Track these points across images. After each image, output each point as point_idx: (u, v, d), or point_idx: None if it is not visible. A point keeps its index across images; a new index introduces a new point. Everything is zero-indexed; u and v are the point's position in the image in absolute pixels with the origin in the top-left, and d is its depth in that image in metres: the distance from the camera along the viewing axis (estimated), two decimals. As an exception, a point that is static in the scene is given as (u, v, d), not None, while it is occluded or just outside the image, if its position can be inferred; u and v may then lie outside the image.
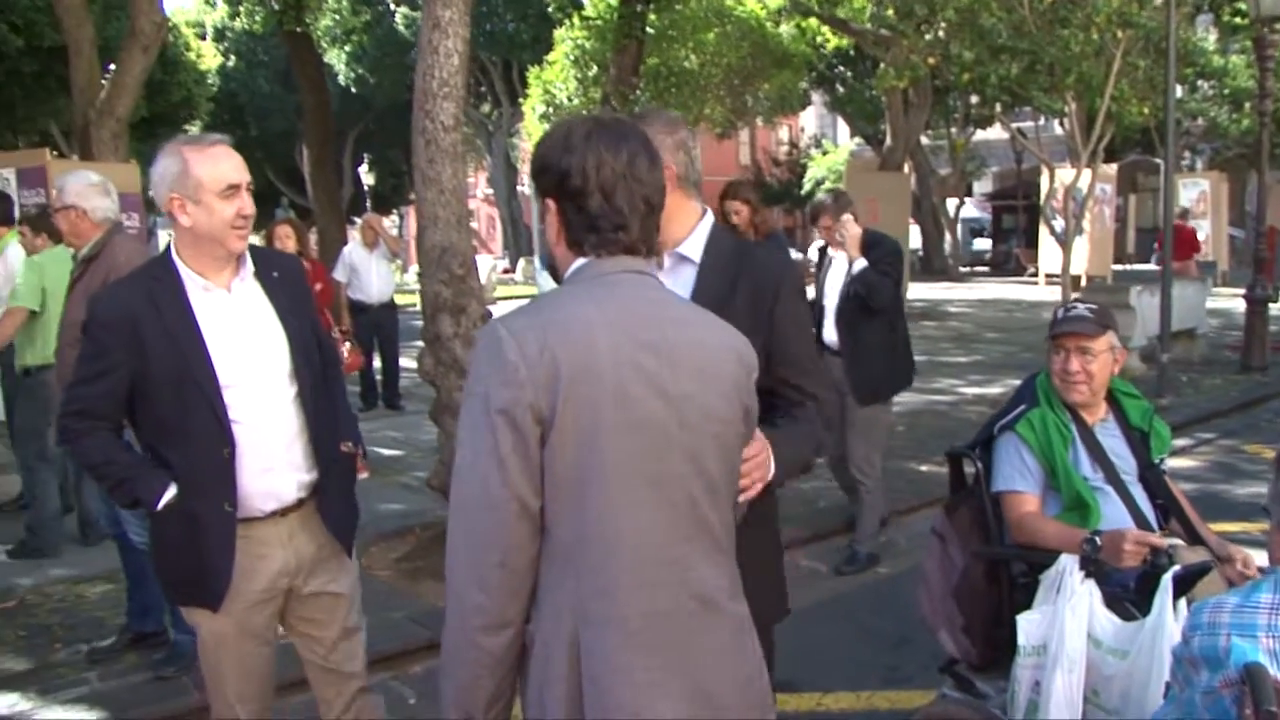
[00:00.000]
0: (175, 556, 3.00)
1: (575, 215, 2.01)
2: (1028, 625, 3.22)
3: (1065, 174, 22.71)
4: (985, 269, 36.50)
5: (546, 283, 10.92)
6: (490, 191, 45.19)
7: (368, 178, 37.48)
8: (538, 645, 1.91)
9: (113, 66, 12.20)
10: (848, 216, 5.94)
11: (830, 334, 6.04)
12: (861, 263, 5.78)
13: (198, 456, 2.89)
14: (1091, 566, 3.17)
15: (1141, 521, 3.48)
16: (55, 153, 15.03)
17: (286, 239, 8.78)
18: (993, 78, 8.92)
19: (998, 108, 12.94)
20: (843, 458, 6.28)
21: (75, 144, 20.64)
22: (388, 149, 39.28)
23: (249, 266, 3.04)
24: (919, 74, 9.87)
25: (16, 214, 7.76)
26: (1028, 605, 3.29)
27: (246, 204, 2.95)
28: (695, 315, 2.11)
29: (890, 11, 10.38)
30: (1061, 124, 27.01)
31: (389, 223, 51.85)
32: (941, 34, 9.68)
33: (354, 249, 11.41)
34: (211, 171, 2.87)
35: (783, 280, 2.71)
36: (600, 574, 1.90)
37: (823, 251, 6.31)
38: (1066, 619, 3.12)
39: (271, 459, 2.99)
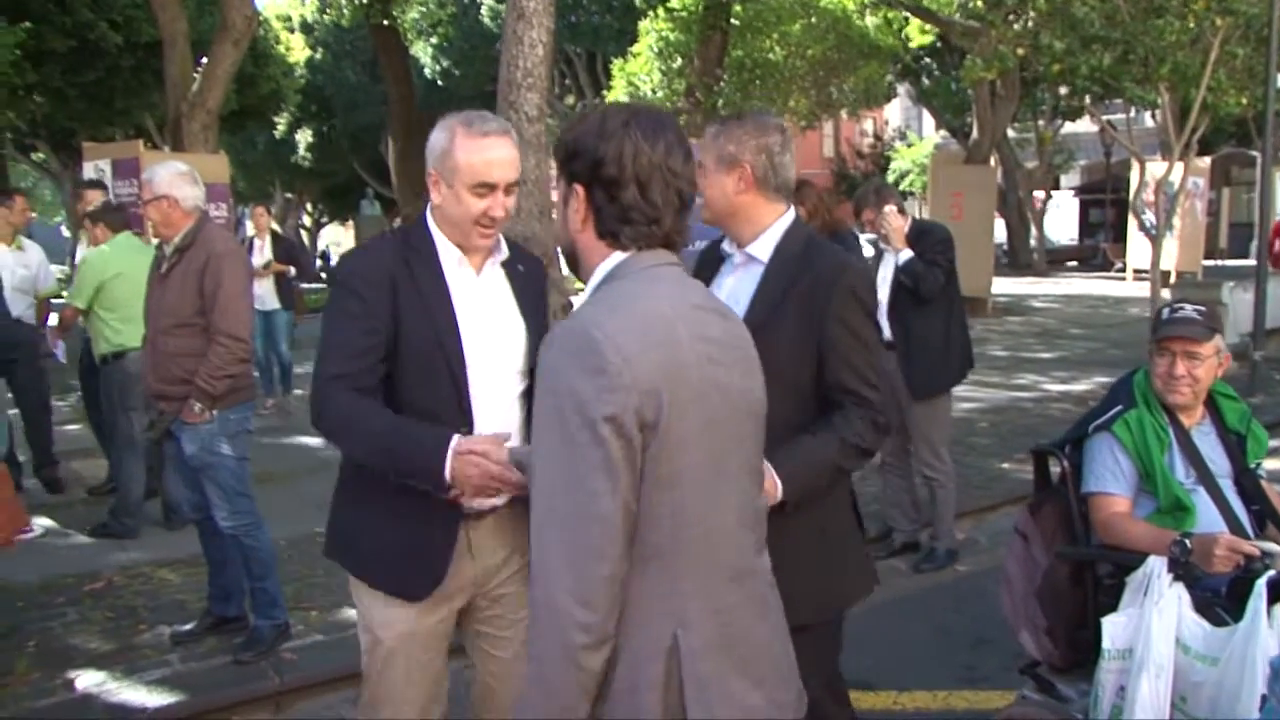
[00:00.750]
0: (393, 538, 2.74)
1: (608, 205, 1.96)
2: (1113, 628, 3.13)
3: (1157, 167, 22.20)
4: (1072, 263, 35.77)
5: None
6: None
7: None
8: (626, 654, 1.85)
9: (204, 60, 12.47)
10: (890, 208, 5.82)
11: (884, 328, 5.96)
12: (907, 254, 5.68)
13: None
14: (1181, 570, 3.08)
15: (1236, 526, 3.37)
16: (149, 145, 15.35)
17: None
18: (1084, 68, 8.66)
19: (1087, 100, 12.51)
20: (898, 463, 6.19)
21: (168, 136, 21.31)
22: (473, 140, 39.50)
23: (503, 253, 2.87)
24: (1008, 65, 9.64)
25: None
26: (1113, 608, 3.20)
27: (498, 205, 2.71)
28: (723, 308, 2.10)
29: (978, 2, 10.18)
30: (1153, 116, 26.41)
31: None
32: (1031, 24, 9.46)
33: None
34: (471, 160, 2.65)
35: (837, 282, 2.75)
36: (698, 574, 1.90)
37: (877, 246, 6.20)
38: (1154, 622, 3.03)
39: None
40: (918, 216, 6.12)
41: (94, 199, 7.44)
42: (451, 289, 2.74)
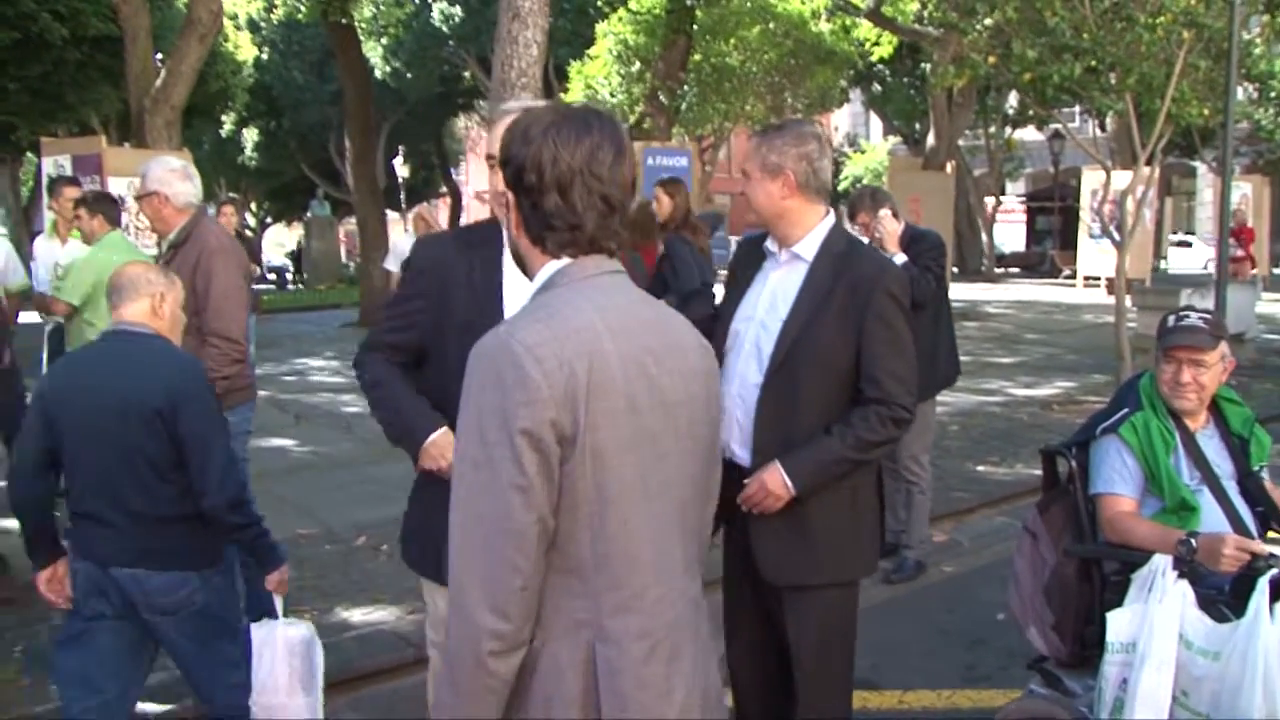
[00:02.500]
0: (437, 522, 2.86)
1: (531, 211, 1.92)
2: (1117, 622, 3.19)
3: (1114, 176, 22.56)
4: (1018, 270, 36.28)
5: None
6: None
7: (402, 170, 37.52)
8: (545, 660, 1.85)
9: (159, 55, 12.29)
10: (885, 211, 5.84)
11: None
12: (901, 258, 5.71)
13: None
14: (1185, 567, 3.15)
15: (1240, 527, 3.44)
16: (111, 142, 15.08)
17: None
18: (1055, 77, 8.81)
19: (1055, 109, 12.71)
20: (889, 464, 6.22)
21: (114, 132, 20.93)
22: (421, 142, 39.34)
23: None
24: (979, 72, 9.77)
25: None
26: (1119, 604, 3.26)
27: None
28: (666, 315, 2.05)
29: (948, 11, 10.29)
30: (1102, 126, 26.90)
31: (420, 216, 51.84)
32: (1001, 29, 9.58)
33: (406, 239, 11.44)
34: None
35: (878, 282, 3.06)
36: (621, 589, 1.87)
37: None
38: (1157, 617, 3.09)
39: None
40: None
41: (71, 195, 7.27)
42: (506, 278, 2.83)
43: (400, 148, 37.68)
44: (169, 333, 3.48)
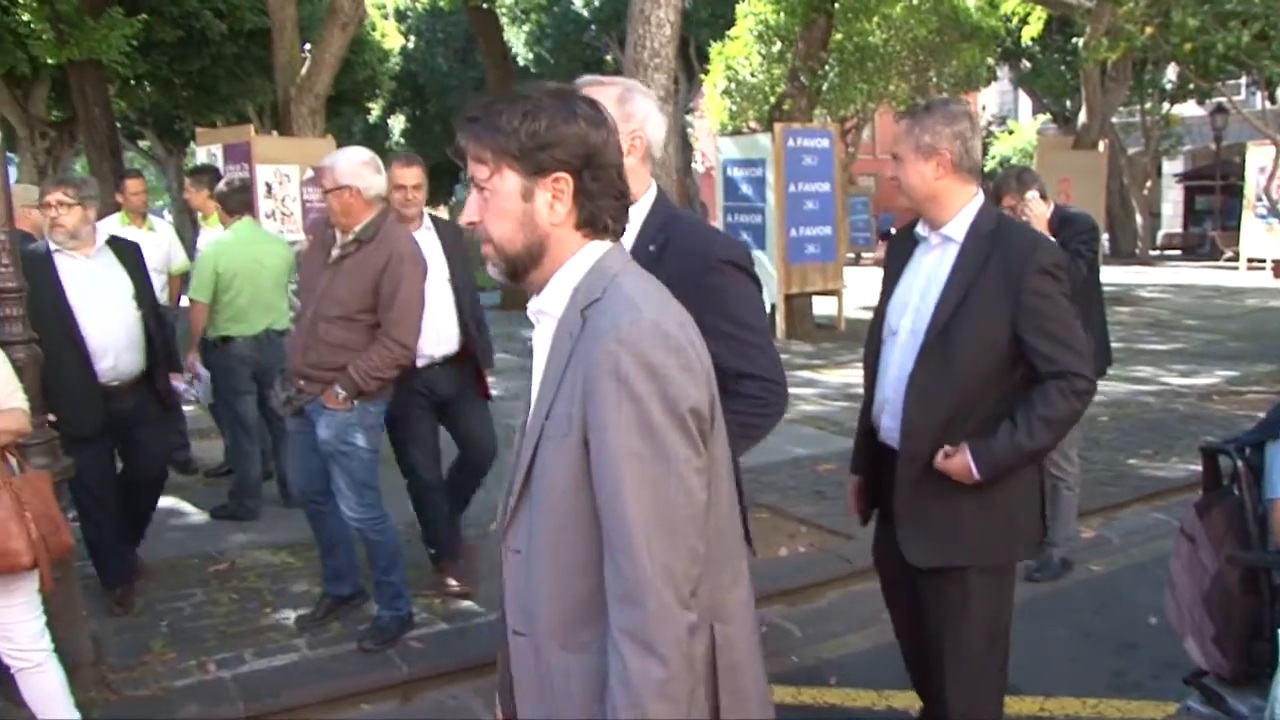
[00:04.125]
0: None
1: (603, 189, 1.87)
2: (1293, 640, 2.94)
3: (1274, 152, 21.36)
4: (1176, 253, 34.73)
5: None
6: (662, 168, 45.23)
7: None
8: None
9: (308, 46, 12.57)
10: (1032, 194, 5.55)
11: None
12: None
13: None
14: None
15: None
16: (259, 130, 15.58)
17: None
18: (1219, 46, 8.28)
19: (1217, 81, 12.04)
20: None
21: (268, 121, 21.64)
22: (564, 126, 39.63)
23: None
24: (1135, 44, 9.27)
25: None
26: (1292, 618, 3.01)
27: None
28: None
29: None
30: (1271, 98, 25.47)
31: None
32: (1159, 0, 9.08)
33: None
34: None
35: (1030, 257, 3.03)
36: (732, 562, 1.94)
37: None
38: (1339, 635, 2.84)
39: None
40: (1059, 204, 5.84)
41: (210, 185, 7.48)
42: None
43: (542, 132, 38.09)
44: None
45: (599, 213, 1.88)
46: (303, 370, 4.69)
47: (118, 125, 19.27)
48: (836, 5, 14.75)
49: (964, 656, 3.21)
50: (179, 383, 5.78)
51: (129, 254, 5.31)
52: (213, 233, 7.22)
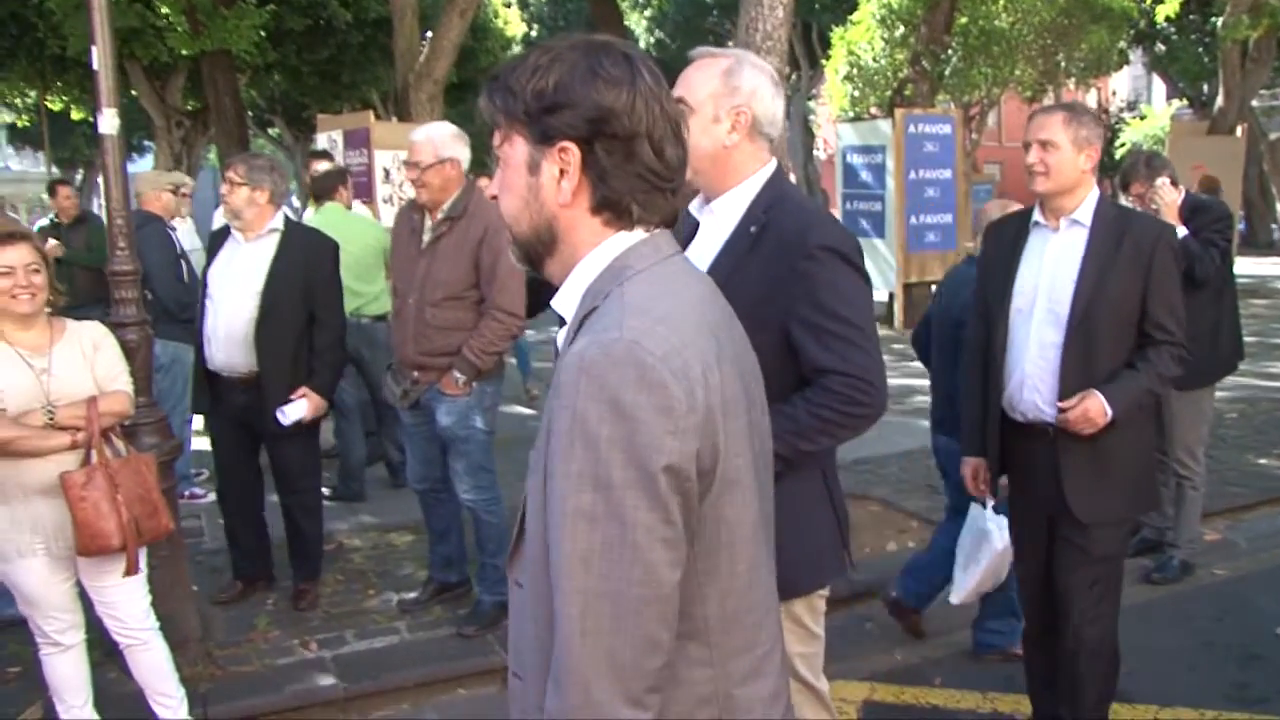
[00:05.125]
0: None
1: (621, 167, 1.51)
2: None
3: None
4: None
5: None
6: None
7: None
8: None
9: (429, 33, 12.72)
10: (1163, 180, 5.29)
11: None
12: (1181, 231, 5.15)
13: None
14: None
15: None
16: (376, 116, 15.89)
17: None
18: (1370, 23, 7.80)
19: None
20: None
21: (391, 108, 22.04)
22: (683, 112, 39.58)
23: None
24: (1278, 20, 8.78)
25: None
26: None
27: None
28: (726, 301, 1.66)
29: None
30: None
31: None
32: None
33: None
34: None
35: (1160, 238, 3.40)
36: (752, 650, 1.55)
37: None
38: None
39: None
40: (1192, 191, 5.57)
41: (318, 168, 7.62)
42: None
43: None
44: None
45: (617, 195, 1.53)
46: (417, 360, 4.68)
47: (248, 114, 19.86)
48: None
49: (1106, 594, 3.51)
50: (285, 409, 4.88)
51: (295, 249, 4.93)
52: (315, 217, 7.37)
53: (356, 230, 6.84)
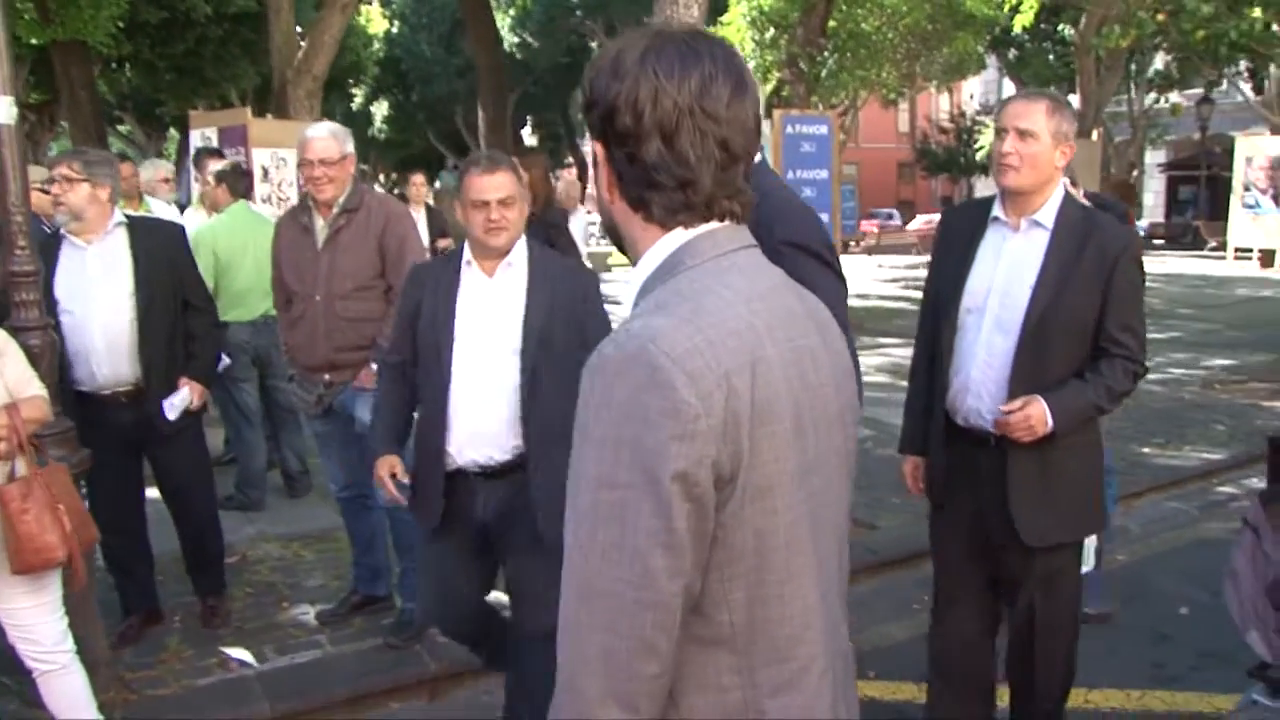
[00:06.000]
0: None
1: (626, 165, 1.48)
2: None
3: (1264, 143, 21.53)
4: (1159, 242, 34.78)
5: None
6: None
7: (530, 140, 37.80)
8: None
9: (297, 29, 12.40)
10: (1064, 180, 5.46)
11: None
12: None
13: None
14: None
15: None
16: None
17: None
18: (1231, 33, 8.21)
19: (1234, 67, 12.01)
20: None
21: (251, 106, 21.45)
22: (547, 112, 39.51)
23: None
24: (1146, 31, 9.18)
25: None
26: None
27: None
28: (814, 303, 1.62)
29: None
30: (1257, 89, 25.55)
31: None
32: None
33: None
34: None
35: (1126, 246, 3.20)
36: (785, 663, 1.48)
37: None
38: None
39: None
40: (1092, 191, 5.75)
41: (215, 167, 7.31)
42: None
43: (528, 118, 37.94)
44: None
45: (635, 193, 1.50)
46: (331, 359, 4.54)
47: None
48: (836, -9, 14.63)
49: (1063, 625, 3.41)
50: (172, 400, 4.60)
51: (151, 239, 4.61)
52: (197, 217, 7.09)
53: (265, 231, 6.55)
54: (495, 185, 3.42)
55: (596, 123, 1.51)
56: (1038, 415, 3.11)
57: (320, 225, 4.60)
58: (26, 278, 4.08)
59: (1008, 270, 3.24)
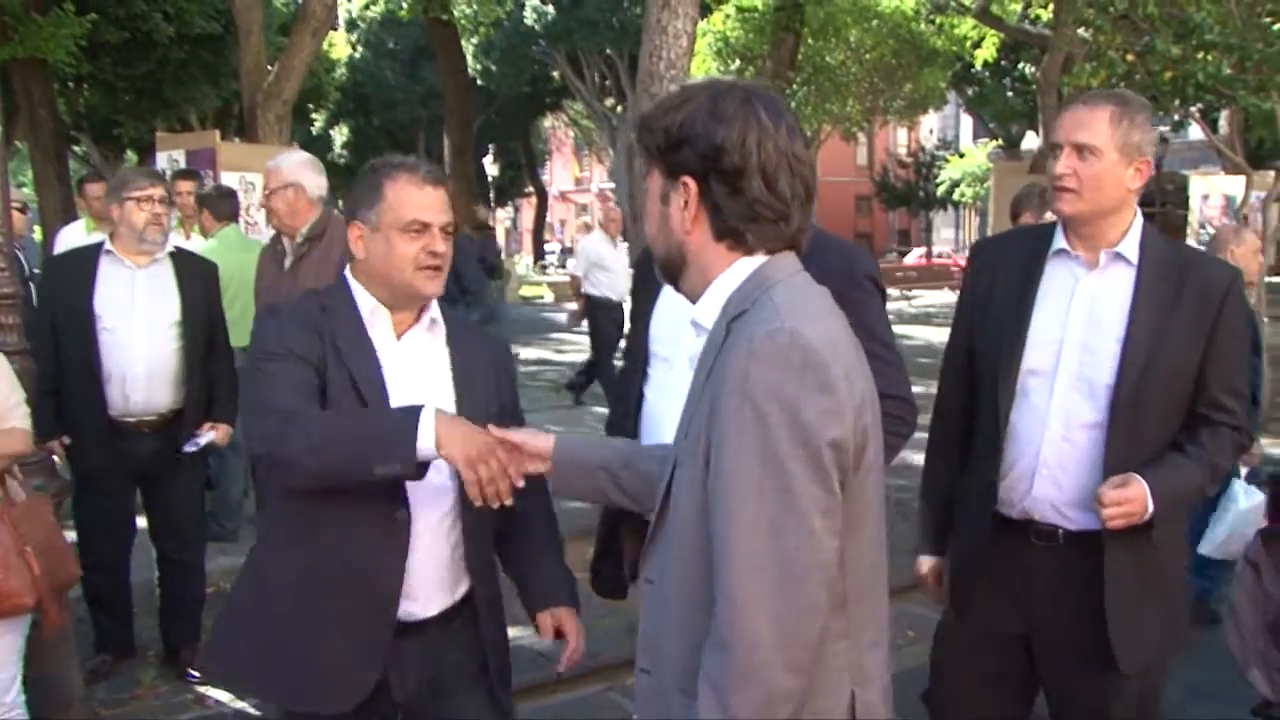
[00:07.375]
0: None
1: (729, 200, 1.67)
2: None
3: (1220, 181, 21.87)
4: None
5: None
6: (610, 186, 45.16)
7: (491, 169, 37.79)
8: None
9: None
10: (1050, 215, 5.49)
11: None
12: None
13: None
14: None
15: None
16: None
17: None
18: (1199, 76, 8.38)
19: (1195, 109, 12.29)
20: None
21: (212, 125, 21.24)
22: (509, 140, 39.55)
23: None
24: (1116, 71, 9.34)
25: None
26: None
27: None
28: (845, 317, 1.78)
29: (1080, 9, 9.90)
30: (1213, 128, 25.97)
31: (504, 214, 52.32)
32: (1137, 26, 9.17)
33: (596, 242, 10.69)
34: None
35: (1230, 287, 2.53)
36: (876, 621, 1.73)
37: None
38: None
39: None
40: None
41: (188, 189, 7.17)
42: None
43: (490, 146, 37.94)
44: None
45: (732, 224, 1.69)
46: None
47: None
48: (803, 26, 14.79)
49: None
50: (197, 439, 4.54)
51: (193, 273, 4.56)
52: (190, 243, 6.93)
53: (253, 257, 6.44)
54: (440, 204, 2.43)
55: (692, 159, 1.68)
56: (1139, 497, 2.41)
57: (288, 251, 4.70)
58: (6, 300, 3.99)
59: (1085, 318, 2.56)
